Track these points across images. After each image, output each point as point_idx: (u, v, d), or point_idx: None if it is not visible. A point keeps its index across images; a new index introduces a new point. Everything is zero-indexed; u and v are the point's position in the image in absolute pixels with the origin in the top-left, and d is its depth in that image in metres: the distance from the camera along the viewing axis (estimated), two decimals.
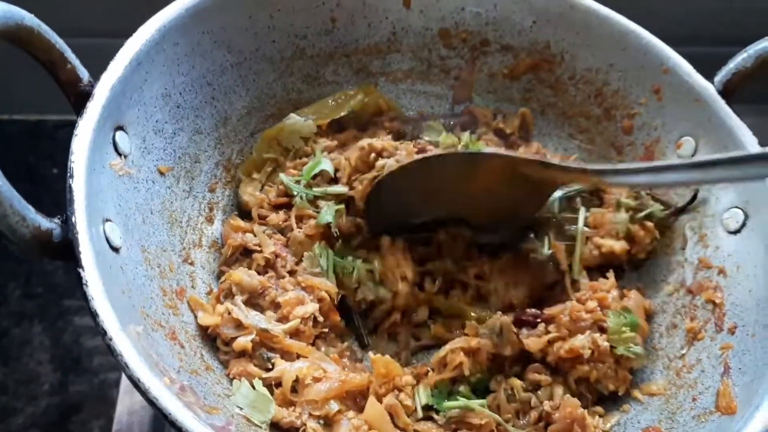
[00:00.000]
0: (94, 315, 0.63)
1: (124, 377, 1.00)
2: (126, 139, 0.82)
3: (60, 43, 0.78)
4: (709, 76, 0.93)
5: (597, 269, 0.92)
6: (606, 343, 0.81)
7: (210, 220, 0.95)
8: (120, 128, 0.82)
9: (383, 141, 0.93)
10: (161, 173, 0.88)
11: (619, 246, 0.91)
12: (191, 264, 0.90)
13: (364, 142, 0.93)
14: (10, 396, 1.19)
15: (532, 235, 0.93)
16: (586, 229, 0.93)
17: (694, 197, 0.93)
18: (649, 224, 0.93)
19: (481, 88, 1.08)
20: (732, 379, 0.78)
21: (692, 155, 0.94)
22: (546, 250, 0.91)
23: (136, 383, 0.61)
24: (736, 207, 0.89)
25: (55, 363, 1.24)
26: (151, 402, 0.60)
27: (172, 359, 0.74)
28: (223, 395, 0.78)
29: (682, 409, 0.80)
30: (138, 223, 0.82)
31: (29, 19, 0.73)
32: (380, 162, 0.91)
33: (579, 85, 1.04)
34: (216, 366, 0.82)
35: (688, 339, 0.87)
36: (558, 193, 0.94)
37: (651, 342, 0.90)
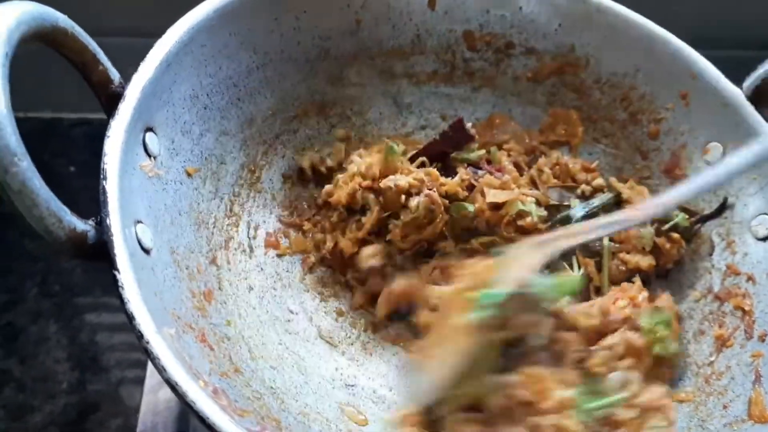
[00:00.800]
0: (130, 317, 0.63)
1: (147, 377, 1.01)
2: (155, 141, 0.82)
3: (92, 44, 0.77)
4: (738, 81, 0.93)
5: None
6: (640, 341, 0.80)
7: (235, 223, 0.95)
8: (150, 129, 0.81)
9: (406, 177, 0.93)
10: (189, 174, 0.88)
11: (646, 262, 0.91)
12: (217, 266, 0.89)
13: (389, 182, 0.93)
14: (27, 394, 1.19)
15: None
16: (611, 244, 0.93)
17: (724, 204, 0.92)
18: (675, 236, 0.93)
19: (505, 91, 1.07)
20: (764, 387, 0.78)
21: (719, 161, 0.94)
22: (577, 270, 0.90)
23: (173, 387, 0.61)
24: (765, 213, 0.88)
25: (72, 361, 1.24)
26: (189, 406, 0.60)
27: (202, 362, 0.74)
28: (253, 398, 0.77)
29: (712, 416, 0.80)
30: (167, 225, 0.82)
31: (63, 20, 0.73)
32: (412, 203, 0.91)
33: (604, 89, 1.03)
34: (245, 368, 0.81)
35: (716, 346, 0.86)
36: (580, 211, 0.94)
37: (680, 348, 0.89)
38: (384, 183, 0.92)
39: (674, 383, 0.87)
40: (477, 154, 0.98)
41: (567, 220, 0.93)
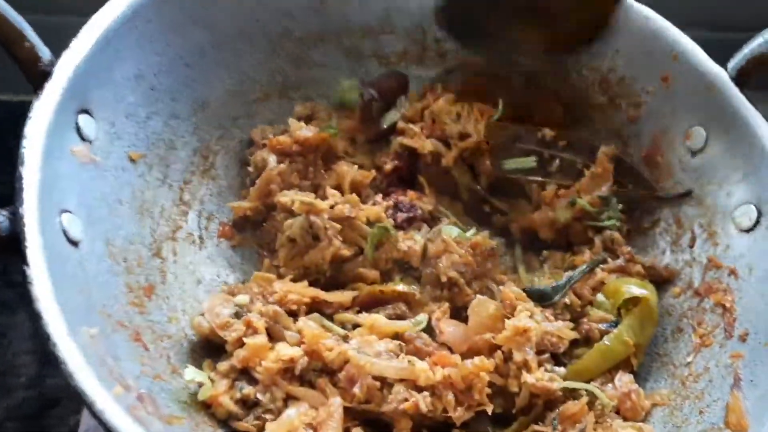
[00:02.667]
0: (37, 317, 0.58)
1: None
2: (92, 123, 0.77)
3: (18, 20, 0.72)
4: (722, 62, 0.87)
5: None
6: None
7: (185, 212, 0.89)
8: (85, 111, 0.76)
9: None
10: (132, 160, 0.83)
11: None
12: (162, 258, 0.84)
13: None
14: None
15: None
16: None
17: (687, 194, 0.88)
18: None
19: (480, 74, 1.01)
20: (743, 392, 0.72)
21: (702, 147, 0.88)
22: None
23: (80, 395, 0.56)
24: (749, 203, 0.83)
25: (36, 354, 1.19)
26: (96, 415, 0.55)
27: (132, 364, 0.69)
28: (191, 402, 0.72)
29: (687, 422, 0.75)
30: (103, 215, 0.77)
31: None
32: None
33: (582, 72, 0.97)
34: (185, 369, 0.76)
35: (695, 345, 0.81)
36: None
37: (655, 347, 0.84)
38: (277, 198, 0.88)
39: (648, 385, 0.81)
40: None
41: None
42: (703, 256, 0.86)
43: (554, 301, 0.83)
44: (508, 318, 0.77)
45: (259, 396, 0.73)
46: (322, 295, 0.82)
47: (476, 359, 0.73)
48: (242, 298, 0.80)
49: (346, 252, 0.85)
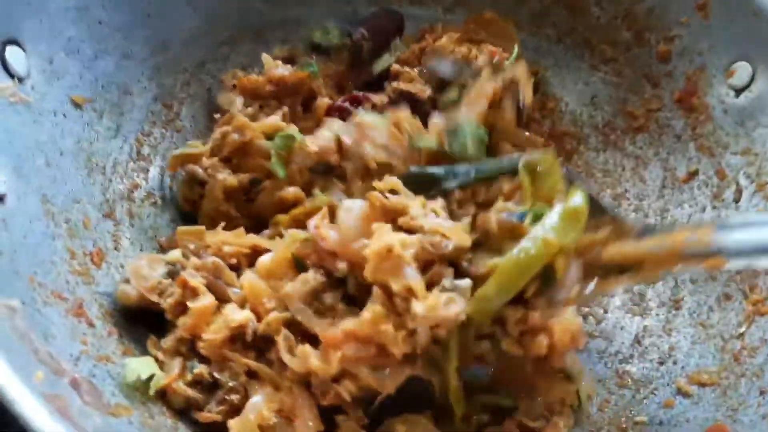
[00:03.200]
0: None
1: None
2: (22, 57, 0.65)
3: None
4: None
5: None
6: None
7: (144, 168, 0.76)
8: (12, 42, 0.64)
9: None
10: (76, 105, 0.70)
11: None
12: (115, 220, 0.71)
13: None
14: None
15: None
16: None
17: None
18: None
19: (483, 12, 0.88)
20: None
21: (748, 84, 0.75)
22: None
23: None
24: None
25: None
26: (5, 407, 0.42)
27: (70, 342, 0.56)
28: (144, 389, 0.59)
29: (746, 405, 0.62)
30: (39, 166, 0.64)
31: None
32: None
33: (603, 4, 0.84)
34: (139, 349, 0.63)
35: (747, 313, 0.68)
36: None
37: (698, 317, 0.71)
38: None
39: (691, 362, 0.68)
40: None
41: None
42: (751, 211, 0.73)
43: (447, 189, 0.65)
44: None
45: (216, 374, 0.61)
46: (263, 243, 0.68)
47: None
48: (173, 255, 0.67)
49: (233, 182, 0.71)
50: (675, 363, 0.70)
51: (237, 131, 0.72)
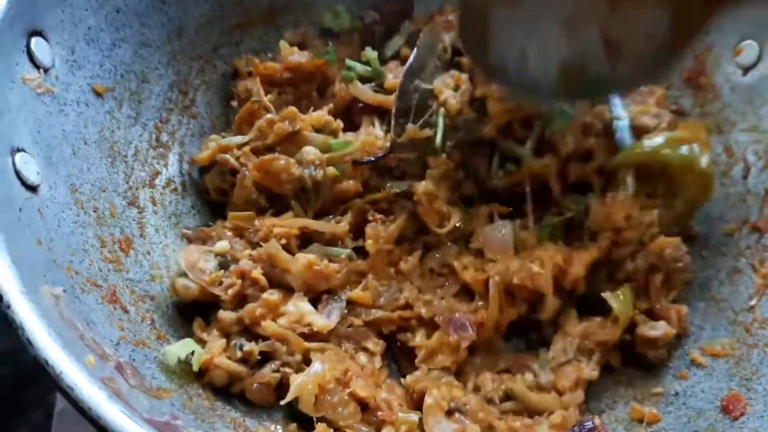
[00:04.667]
0: None
1: None
2: (46, 48, 0.65)
3: None
4: None
5: None
6: None
7: (164, 155, 0.77)
8: (37, 33, 0.64)
9: None
10: (98, 94, 0.71)
11: None
12: (139, 208, 0.72)
13: None
14: None
15: None
16: None
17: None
18: None
19: None
20: None
21: (755, 62, 0.77)
22: None
23: (44, 365, 0.44)
24: None
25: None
26: (64, 392, 0.43)
27: (109, 328, 0.57)
28: (180, 372, 0.61)
29: (759, 374, 0.64)
30: (66, 156, 0.65)
31: None
32: None
33: None
34: (172, 334, 0.65)
35: (757, 287, 0.71)
36: None
37: (708, 291, 0.73)
38: None
39: (704, 334, 0.71)
40: None
41: None
42: (759, 188, 0.75)
43: None
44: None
45: (278, 346, 0.64)
46: (312, 224, 0.71)
47: None
48: (222, 245, 0.70)
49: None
50: (688, 335, 0.72)
51: (287, 120, 0.73)
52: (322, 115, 0.76)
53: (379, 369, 0.67)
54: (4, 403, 0.99)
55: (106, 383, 0.45)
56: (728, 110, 0.79)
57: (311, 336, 0.66)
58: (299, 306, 0.66)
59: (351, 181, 0.74)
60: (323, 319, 0.66)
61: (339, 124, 0.76)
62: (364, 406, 0.63)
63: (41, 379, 0.99)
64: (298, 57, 0.79)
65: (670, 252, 0.70)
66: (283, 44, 0.80)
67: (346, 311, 0.68)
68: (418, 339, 0.68)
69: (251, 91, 0.78)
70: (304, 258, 0.68)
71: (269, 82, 0.79)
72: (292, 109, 0.75)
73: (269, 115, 0.74)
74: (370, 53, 0.81)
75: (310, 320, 0.65)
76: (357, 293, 0.68)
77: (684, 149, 0.71)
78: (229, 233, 0.71)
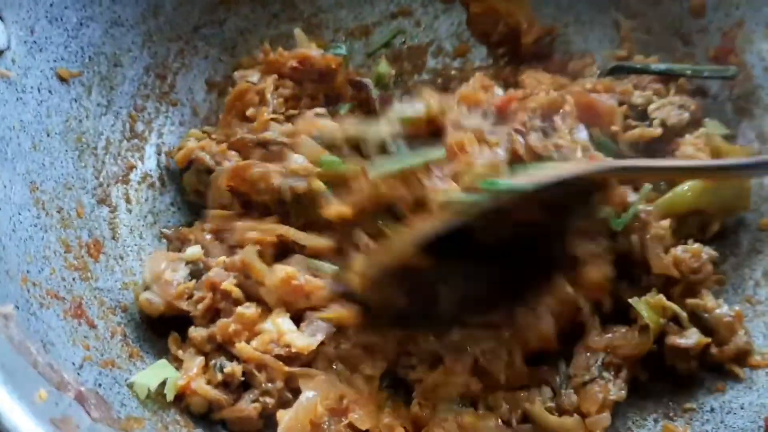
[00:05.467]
0: None
1: None
2: (0, 27, 0.56)
3: None
4: None
5: None
6: None
7: (139, 147, 0.70)
8: None
9: None
10: (62, 79, 0.64)
11: None
12: (111, 207, 0.65)
13: None
14: None
15: None
16: None
17: None
18: None
19: None
20: None
21: None
22: None
23: None
24: None
25: None
26: None
27: (71, 348, 0.51)
28: (155, 396, 0.54)
29: None
30: (25, 150, 0.59)
31: None
32: None
33: None
34: (145, 351, 0.57)
35: None
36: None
37: (743, 292, 0.67)
38: None
39: None
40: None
41: None
42: None
43: None
44: None
45: (255, 372, 0.56)
46: (293, 234, 0.63)
47: None
48: (193, 252, 0.62)
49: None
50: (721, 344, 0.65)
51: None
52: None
53: (379, 390, 0.59)
54: None
55: (58, 425, 0.38)
56: (761, 92, 0.72)
57: (292, 359, 0.58)
58: (278, 323, 0.58)
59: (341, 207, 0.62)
60: (305, 339, 0.58)
61: None
62: None
63: None
64: (314, 53, 0.71)
65: (685, 267, 0.64)
66: (299, 34, 0.73)
67: (334, 330, 0.59)
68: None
69: (245, 77, 0.71)
70: (281, 270, 0.60)
71: (272, 71, 0.71)
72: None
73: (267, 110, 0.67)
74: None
75: (288, 340, 0.57)
76: (339, 313, 0.59)
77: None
78: (209, 236, 0.63)
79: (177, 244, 0.65)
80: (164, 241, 0.67)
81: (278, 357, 0.57)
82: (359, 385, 0.57)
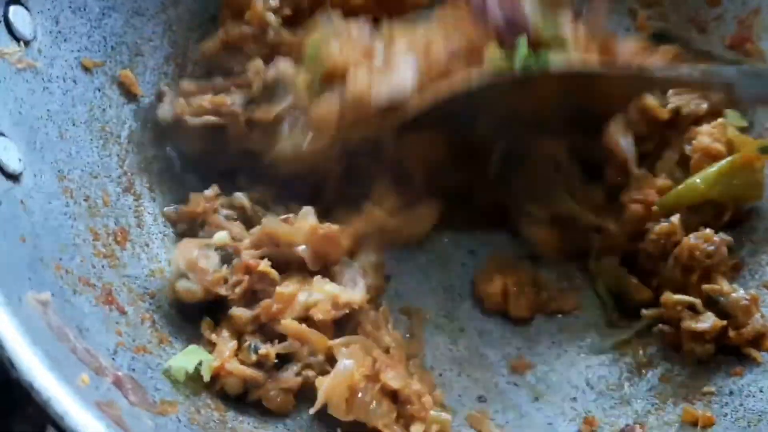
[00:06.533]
0: None
1: None
2: (26, 18, 0.59)
3: None
4: None
5: None
6: None
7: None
8: (16, 2, 0.58)
9: None
10: (86, 69, 0.64)
11: None
12: (136, 195, 0.65)
13: None
14: None
15: None
16: None
17: None
18: None
19: None
20: None
21: None
22: None
23: (29, 390, 0.38)
24: None
25: None
26: (53, 422, 0.37)
27: (105, 335, 0.51)
28: (187, 380, 0.55)
29: None
30: (53, 139, 0.59)
31: None
32: None
33: None
34: (174, 336, 0.58)
35: None
36: None
37: (760, 278, 0.67)
38: None
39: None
40: None
41: None
42: None
43: None
44: None
45: (297, 346, 0.58)
46: None
47: None
48: (220, 237, 0.62)
49: None
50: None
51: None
52: None
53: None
54: None
55: (103, 408, 0.39)
56: None
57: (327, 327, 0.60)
58: (326, 290, 0.59)
59: None
60: (356, 292, 0.60)
61: None
62: (395, 397, 0.58)
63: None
64: None
65: (699, 254, 0.65)
66: None
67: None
68: None
69: None
70: (304, 222, 0.62)
71: None
72: None
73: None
74: None
75: (346, 299, 0.59)
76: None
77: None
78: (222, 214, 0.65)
79: (182, 226, 0.66)
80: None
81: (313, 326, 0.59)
82: (388, 342, 0.60)
